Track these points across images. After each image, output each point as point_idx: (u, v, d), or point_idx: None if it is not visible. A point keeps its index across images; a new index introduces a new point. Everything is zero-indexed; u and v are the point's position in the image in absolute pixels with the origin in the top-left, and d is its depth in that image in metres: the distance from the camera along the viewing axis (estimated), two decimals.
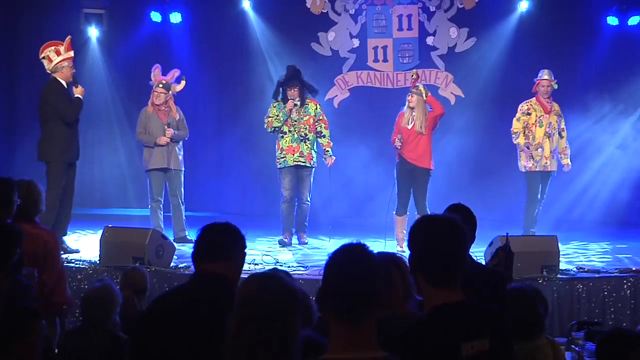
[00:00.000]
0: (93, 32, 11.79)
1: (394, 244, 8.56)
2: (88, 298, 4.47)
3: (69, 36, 8.38)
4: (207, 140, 11.75)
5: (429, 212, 8.42)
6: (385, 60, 11.63)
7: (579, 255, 8.28)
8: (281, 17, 11.65)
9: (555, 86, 8.96)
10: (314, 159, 8.82)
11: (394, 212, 8.62)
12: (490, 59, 11.37)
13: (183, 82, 9.01)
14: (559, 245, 7.09)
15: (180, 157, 8.97)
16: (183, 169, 9.02)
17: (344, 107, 11.57)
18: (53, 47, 8.23)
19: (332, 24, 11.67)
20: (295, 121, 8.72)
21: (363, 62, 11.67)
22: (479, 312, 2.72)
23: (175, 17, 11.50)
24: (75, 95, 8.20)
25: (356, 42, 11.66)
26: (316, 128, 8.82)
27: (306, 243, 8.98)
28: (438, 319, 2.64)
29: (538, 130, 8.85)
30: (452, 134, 11.31)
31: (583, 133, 10.97)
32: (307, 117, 8.76)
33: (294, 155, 8.73)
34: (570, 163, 9.04)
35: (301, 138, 8.72)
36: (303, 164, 8.75)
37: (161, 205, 8.93)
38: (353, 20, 11.66)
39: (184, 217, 8.96)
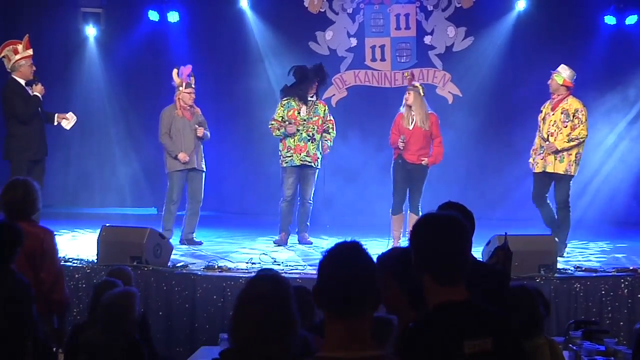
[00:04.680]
0: (91, 31, 11.78)
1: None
2: (110, 303, 4.39)
3: (27, 35, 8.36)
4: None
5: (420, 212, 8.44)
6: (383, 59, 11.63)
7: (576, 255, 8.29)
8: (279, 16, 11.65)
9: (559, 80, 7.99)
10: (319, 159, 8.75)
11: (390, 211, 8.61)
12: (487, 58, 11.38)
13: (192, 77, 8.94)
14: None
15: (203, 158, 8.86)
16: (205, 169, 8.88)
17: (342, 106, 11.56)
18: (11, 46, 8.23)
19: (330, 23, 11.67)
20: (305, 120, 8.66)
21: (361, 61, 11.66)
22: (483, 312, 2.71)
23: (173, 16, 11.51)
24: (33, 94, 8.21)
25: (354, 41, 11.65)
26: (324, 128, 8.76)
27: (310, 243, 8.83)
28: (441, 316, 2.64)
29: (542, 129, 8.14)
30: (450, 132, 11.30)
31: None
32: (316, 117, 8.71)
33: (300, 154, 8.65)
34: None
35: (308, 138, 8.65)
36: (309, 163, 8.67)
37: (178, 206, 8.77)
38: (351, 20, 11.66)
39: (197, 221, 8.82)
